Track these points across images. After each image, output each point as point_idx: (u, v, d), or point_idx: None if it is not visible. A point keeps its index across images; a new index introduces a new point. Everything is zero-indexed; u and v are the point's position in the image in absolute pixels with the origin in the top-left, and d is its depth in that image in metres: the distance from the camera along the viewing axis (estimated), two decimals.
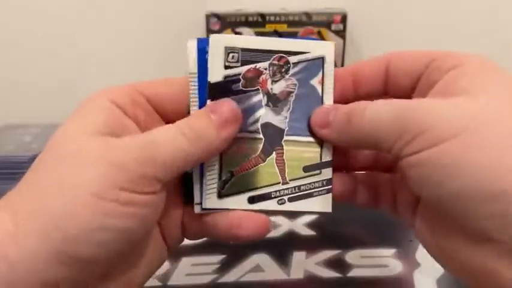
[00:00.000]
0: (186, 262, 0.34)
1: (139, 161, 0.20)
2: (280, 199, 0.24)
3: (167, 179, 0.21)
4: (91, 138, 0.20)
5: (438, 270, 0.33)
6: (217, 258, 0.35)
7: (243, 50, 0.24)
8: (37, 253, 0.18)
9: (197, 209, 0.24)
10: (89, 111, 0.22)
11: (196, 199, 0.24)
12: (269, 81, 0.24)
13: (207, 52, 0.23)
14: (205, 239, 0.36)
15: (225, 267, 0.33)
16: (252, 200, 0.24)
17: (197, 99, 0.23)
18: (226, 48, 0.23)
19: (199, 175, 0.24)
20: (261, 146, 0.24)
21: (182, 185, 0.25)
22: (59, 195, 0.19)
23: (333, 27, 0.52)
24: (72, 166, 0.20)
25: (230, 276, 0.32)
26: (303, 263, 0.34)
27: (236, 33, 0.52)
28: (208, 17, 0.52)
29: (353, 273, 0.33)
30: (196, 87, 0.23)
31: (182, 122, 0.22)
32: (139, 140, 0.21)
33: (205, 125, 0.22)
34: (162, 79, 0.24)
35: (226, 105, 0.22)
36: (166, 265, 0.34)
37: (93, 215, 0.19)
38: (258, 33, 0.52)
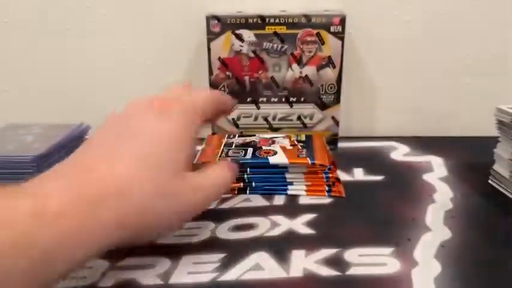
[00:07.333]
0: (186, 260, 0.34)
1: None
2: None
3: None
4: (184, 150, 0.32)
5: (436, 268, 0.33)
6: (217, 256, 0.35)
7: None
8: (88, 226, 0.24)
9: None
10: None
11: None
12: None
13: None
14: (205, 238, 0.37)
15: (225, 265, 0.34)
16: None
17: None
18: None
19: None
20: None
21: None
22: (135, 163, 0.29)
23: (332, 29, 0.52)
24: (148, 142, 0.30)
25: (230, 275, 0.33)
26: (302, 262, 0.34)
27: (236, 35, 0.53)
28: (209, 19, 0.53)
29: (352, 271, 0.33)
30: None
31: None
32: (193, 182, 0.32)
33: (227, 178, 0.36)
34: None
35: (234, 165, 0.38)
36: (167, 263, 0.34)
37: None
38: (257, 35, 0.53)
